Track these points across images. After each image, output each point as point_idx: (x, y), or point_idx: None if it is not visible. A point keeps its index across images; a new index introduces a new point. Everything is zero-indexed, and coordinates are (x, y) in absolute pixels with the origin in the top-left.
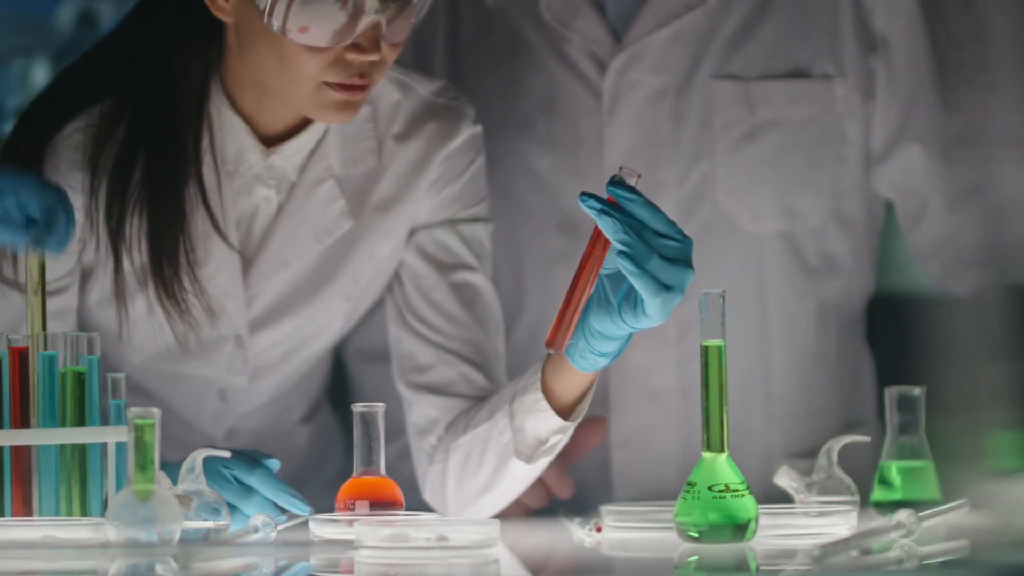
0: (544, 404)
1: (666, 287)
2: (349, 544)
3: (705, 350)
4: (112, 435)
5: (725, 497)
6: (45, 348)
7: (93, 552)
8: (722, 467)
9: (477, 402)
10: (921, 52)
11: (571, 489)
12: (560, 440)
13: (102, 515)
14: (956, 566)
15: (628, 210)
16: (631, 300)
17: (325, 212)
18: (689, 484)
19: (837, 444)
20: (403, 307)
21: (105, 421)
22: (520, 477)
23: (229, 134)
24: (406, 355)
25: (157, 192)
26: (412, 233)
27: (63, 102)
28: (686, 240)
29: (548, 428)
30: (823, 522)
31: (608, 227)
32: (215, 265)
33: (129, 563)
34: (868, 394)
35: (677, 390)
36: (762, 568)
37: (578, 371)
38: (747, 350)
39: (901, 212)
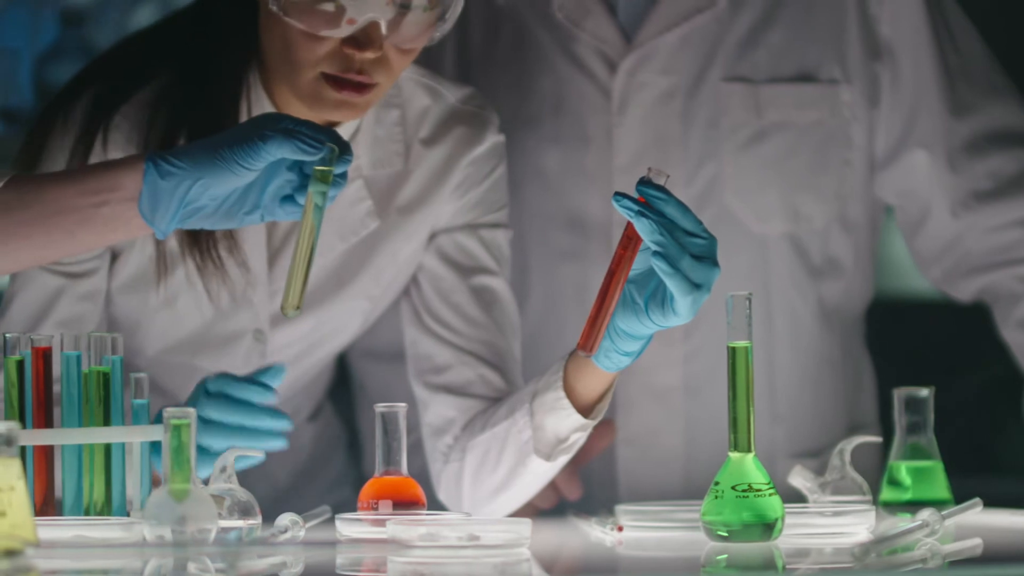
0: (566, 402)
1: (696, 285)
2: (396, 543)
3: (732, 352)
4: (141, 435)
5: (748, 496)
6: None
7: (129, 551)
8: (749, 467)
9: (493, 403)
10: (926, 59)
11: (580, 490)
12: (579, 438)
13: (125, 514)
14: (978, 563)
15: (660, 210)
16: (658, 299)
17: (352, 211)
18: (716, 484)
19: (849, 444)
20: (421, 309)
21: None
22: (538, 475)
23: None
24: (423, 356)
25: None
26: (433, 236)
27: (124, 79)
28: (712, 238)
29: (568, 426)
30: (839, 521)
31: (644, 228)
32: (247, 250)
33: (165, 562)
34: (869, 397)
35: (681, 388)
36: (788, 567)
37: (601, 370)
38: (752, 349)
39: (902, 217)
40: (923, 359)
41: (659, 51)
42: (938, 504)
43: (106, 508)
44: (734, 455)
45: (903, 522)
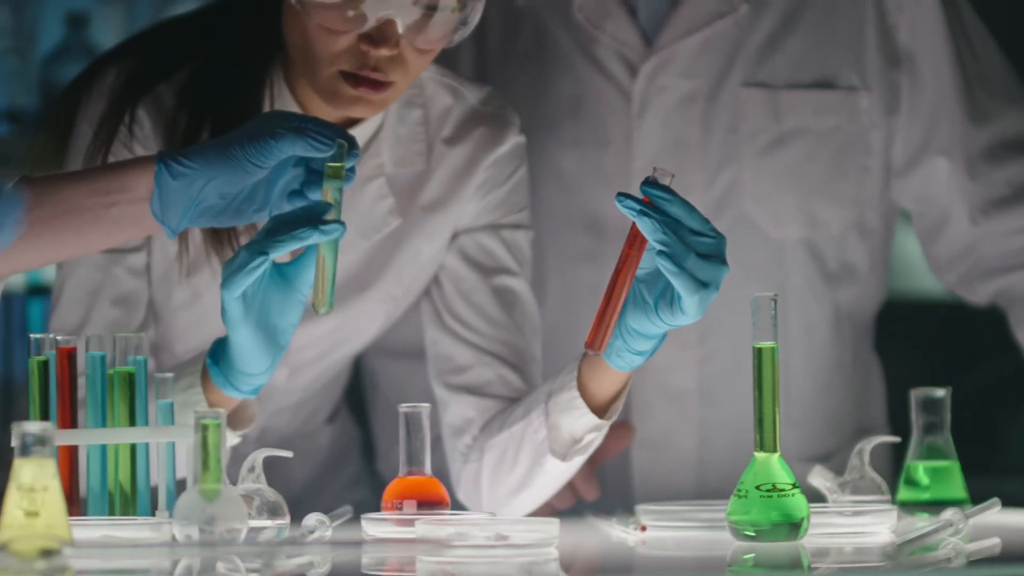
0: (580, 402)
1: (703, 284)
2: (435, 543)
3: (758, 352)
4: (166, 435)
5: (773, 496)
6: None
7: (160, 551)
8: (775, 467)
9: (512, 403)
10: (945, 66)
11: (598, 491)
12: (595, 439)
13: (149, 514)
14: (998, 563)
15: (664, 209)
16: (667, 298)
17: (374, 209)
18: (741, 483)
19: (868, 444)
20: (442, 309)
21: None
22: (554, 475)
23: None
24: (444, 356)
25: None
26: (454, 236)
27: (154, 62)
28: (719, 237)
29: (583, 426)
30: (862, 521)
31: (647, 227)
32: None
33: (196, 562)
34: (878, 400)
35: (696, 391)
36: (813, 566)
37: (615, 370)
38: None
39: (920, 223)
40: (923, 359)
41: (680, 55)
42: (955, 504)
43: (131, 508)
44: (760, 455)
45: (921, 521)
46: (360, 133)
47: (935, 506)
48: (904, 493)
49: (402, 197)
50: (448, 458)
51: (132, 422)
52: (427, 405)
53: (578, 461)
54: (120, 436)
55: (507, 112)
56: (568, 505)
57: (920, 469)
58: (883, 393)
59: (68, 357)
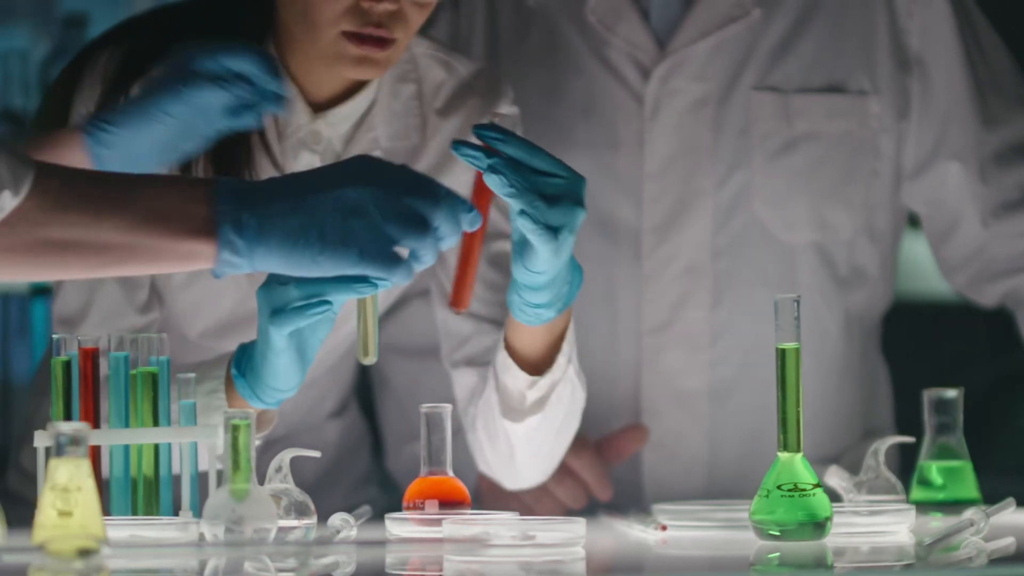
0: (510, 361)
1: (555, 230)
2: (478, 541)
3: (781, 353)
4: (190, 435)
5: (794, 496)
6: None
7: (196, 551)
8: (798, 467)
9: None
10: (956, 70)
11: (611, 491)
12: (543, 398)
13: (172, 514)
14: (1016, 562)
15: (502, 151)
16: (526, 247)
17: None
18: (765, 483)
19: (883, 445)
20: (444, 281)
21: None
22: (524, 437)
23: None
24: (451, 334)
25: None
26: None
27: (146, 51)
28: (572, 176)
29: (520, 384)
30: (882, 520)
31: (494, 182)
32: None
33: (226, 562)
34: (885, 401)
35: (706, 394)
36: (836, 565)
37: (530, 327)
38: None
39: (930, 226)
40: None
41: (692, 58)
42: (968, 504)
43: (154, 508)
44: (783, 455)
45: (935, 521)
46: (355, 108)
47: (948, 506)
48: (917, 493)
49: None
50: (465, 432)
51: (155, 422)
52: (448, 405)
53: (535, 421)
54: (144, 436)
55: (499, 83)
56: (581, 504)
57: (933, 469)
58: (890, 394)
59: (91, 358)
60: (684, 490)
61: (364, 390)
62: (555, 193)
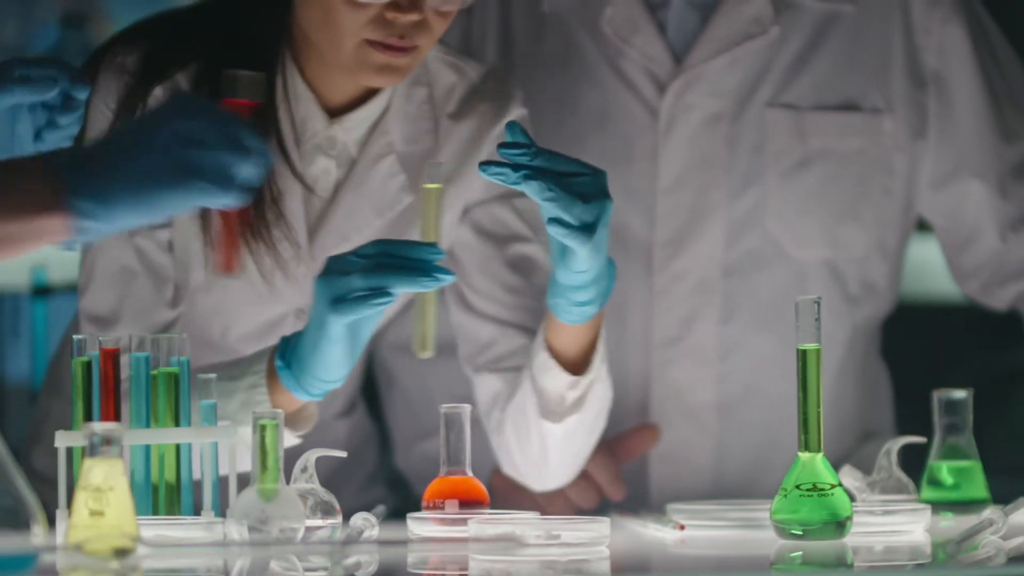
0: (552, 362)
1: (590, 227)
2: (515, 541)
3: (803, 354)
4: (211, 435)
5: (813, 496)
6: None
7: (224, 551)
8: (819, 467)
9: None
10: (975, 87)
11: (624, 491)
12: (582, 396)
13: (193, 514)
14: None
15: (529, 165)
16: (563, 249)
17: (386, 187)
18: (785, 483)
19: (896, 445)
20: (463, 286)
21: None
22: (562, 437)
23: (294, 100)
24: (470, 338)
25: None
26: (465, 211)
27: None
28: (596, 171)
29: (561, 385)
30: (898, 519)
31: (534, 190)
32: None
33: (253, 561)
34: (885, 404)
35: (715, 407)
36: (856, 564)
37: (573, 326)
38: (786, 368)
39: (947, 238)
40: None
41: (708, 74)
42: (978, 503)
43: (176, 508)
44: (804, 455)
45: (945, 520)
46: (369, 113)
47: (958, 506)
48: (927, 493)
49: (413, 175)
50: (488, 436)
51: (176, 422)
52: (467, 406)
53: (574, 420)
54: (165, 436)
55: (509, 86)
56: (592, 504)
57: (944, 469)
58: (890, 396)
59: (112, 358)
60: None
61: (369, 390)
62: (585, 191)
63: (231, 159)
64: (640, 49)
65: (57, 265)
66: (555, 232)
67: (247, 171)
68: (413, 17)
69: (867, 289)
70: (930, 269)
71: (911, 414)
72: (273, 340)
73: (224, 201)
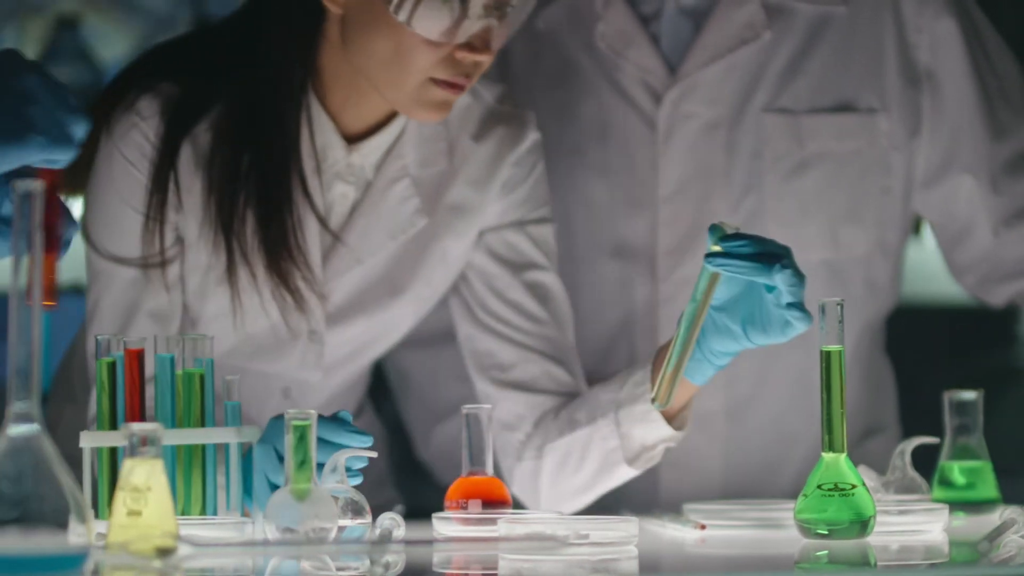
0: (656, 415)
1: (801, 306)
2: (557, 540)
3: (827, 355)
4: (237, 436)
5: (834, 495)
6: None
7: (254, 550)
8: (842, 467)
9: (560, 398)
10: (966, 83)
11: None
12: (664, 448)
13: (216, 514)
14: None
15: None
16: (758, 324)
17: (400, 209)
18: (809, 483)
19: (910, 445)
20: (475, 305)
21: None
22: (620, 479)
23: (317, 129)
24: (484, 353)
25: (266, 182)
26: (481, 235)
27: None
28: (789, 250)
29: (657, 436)
30: (917, 519)
31: (785, 279)
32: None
33: (286, 561)
34: (890, 400)
35: (723, 412)
36: (880, 563)
37: (690, 383)
38: (791, 369)
39: (942, 235)
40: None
41: (703, 82)
42: (989, 503)
43: (201, 508)
44: (828, 456)
45: (958, 520)
46: (386, 138)
47: (970, 506)
48: (939, 492)
49: (427, 197)
50: (499, 452)
51: (202, 423)
52: (488, 407)
53: (646, 467)
54: (201, 436)
55: (522, 111)
56: None
57: (955, 469)
58: (894, 393)
59: (136, 358)
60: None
61: (376, 394)
62: (798, 271)
63: (66, 117)
64: (635, 61)
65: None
66: (791, 316)
67: (80, 129)
68: (483, 58)
69: (870, 288)
70: (924, 270)
71: (912, 413)
72: (285, 362)
73: (60, 157)
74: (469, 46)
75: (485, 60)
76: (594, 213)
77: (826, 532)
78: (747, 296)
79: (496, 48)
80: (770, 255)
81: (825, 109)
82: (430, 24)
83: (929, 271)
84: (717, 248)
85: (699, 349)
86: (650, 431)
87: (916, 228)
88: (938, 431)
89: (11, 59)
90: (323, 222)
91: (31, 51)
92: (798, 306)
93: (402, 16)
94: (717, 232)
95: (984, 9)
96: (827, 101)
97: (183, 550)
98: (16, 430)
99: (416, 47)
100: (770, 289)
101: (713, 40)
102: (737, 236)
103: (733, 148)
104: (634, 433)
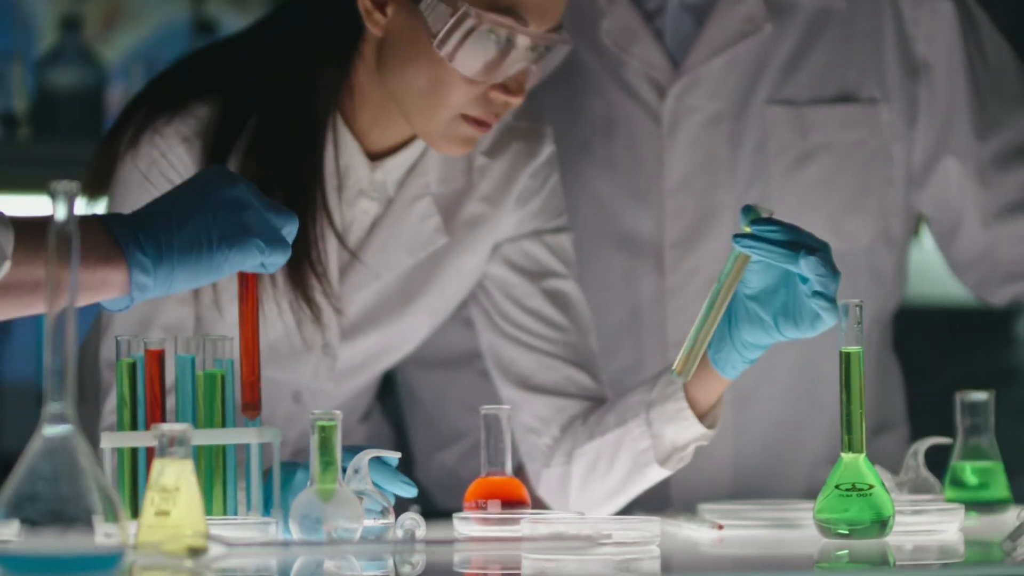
0: (689, 413)
1: (833, 299)
2: (585, 540)
3: (846, 356)
4: (258, 436)
5: (851, 495)
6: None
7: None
8: (861, 468)
9: (586, 403)
10: (958, 76)
11: None
12: (696, 447)
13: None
14: None
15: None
16: (790, 316)
17: (420, 227)
18: (828, 483)
19: (923, 446)
20: (495, 314)
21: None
22: (650, 481)
23: (341, 148)
24: (507, 360)
25: (289, 198)
26: (496, 247)
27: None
28: (827, 244)
29: (689, 435)
30: (932, 519)
31: (812, 265)
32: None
33: (310, 561)
34: (898, 398)
35: (731, 403)
36: (899, 563)
37: (722, 378)
38: (797, 363)
39: (936, 228)
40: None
41: (706, 76)
42: (1000, 503)
43: (221, 508)
44: (847, 456)
45: (970, 520)
46: (408, 156)
47: (982, 506)
48: (951, 493)
49: (446, 215)
50: (524, 456)
51: (222, 423)
52: (507, 407)
53: (677, 467)
54: (228, 437)
55: (540, 125)
56: None
57: (967, 469)
58: (902, 390)
59: (157, 359)
60: (709, 498)
61: (385, 396)
62: (832, 264)
63: (278, 220)
64: (639, 57)
65: None
66: (818, 305)
67: (291, 230)
68: (516, 100)
69: (876, 280)
70: (924, 270)
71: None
72: (299, 372)
73: (277, 260)
74: (504, 87)
75: (516, 102)
76: (600, 207)
77: (846, 532)
78: (782, 287)
79: (529, 86)
80: (800, 244)
81: (827, 100)
82: (472, 63)
83: (929, 271)
84: (747, 230)
85: (731, 341)
86: (682, 430)
87: (916, 229)
88: (943, 430)
89: (220, 173)
90: (341, 239)
91: (34, 51)
92: (825, 296)
93: (445, 51)
94: (751, 214)
95: (981, 3)
96: (829, 92)
97: (214, 550)
98: (51, 431)
99: (454, 83)
100: (804, 280)
101: (715, 34)
102: (770, 221)
103: (737, 140)
104: (666, 432)
